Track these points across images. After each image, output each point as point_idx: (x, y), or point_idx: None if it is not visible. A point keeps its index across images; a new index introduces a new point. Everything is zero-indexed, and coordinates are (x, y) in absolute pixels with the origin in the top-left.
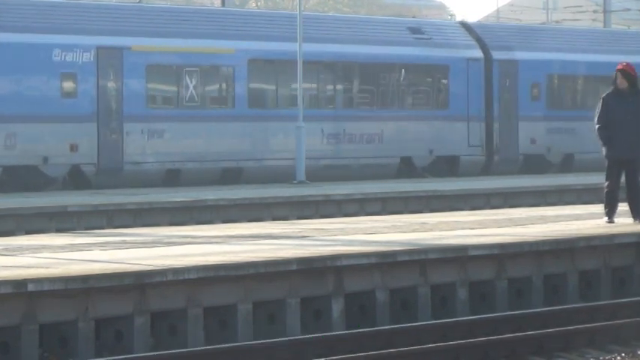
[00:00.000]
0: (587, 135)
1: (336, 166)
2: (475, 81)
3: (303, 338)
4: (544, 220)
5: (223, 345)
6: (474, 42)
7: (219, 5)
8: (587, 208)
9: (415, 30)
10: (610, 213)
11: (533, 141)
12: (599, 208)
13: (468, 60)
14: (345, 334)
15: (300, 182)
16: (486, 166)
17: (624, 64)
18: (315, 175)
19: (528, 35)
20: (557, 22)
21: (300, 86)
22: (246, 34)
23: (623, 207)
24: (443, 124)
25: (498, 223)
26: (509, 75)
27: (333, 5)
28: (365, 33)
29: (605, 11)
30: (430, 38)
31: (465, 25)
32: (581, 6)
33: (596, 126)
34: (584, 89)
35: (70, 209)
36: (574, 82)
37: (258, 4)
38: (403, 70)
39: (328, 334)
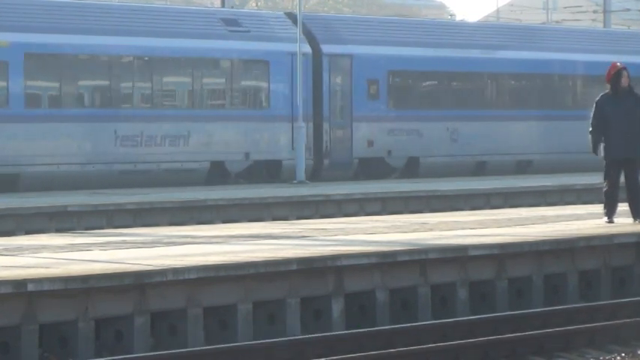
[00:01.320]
0: (435, 137)
1: (132, 172)
2: (301, 78)
3: (303, 338)
4: (544, 220)
5: (223, 345)
6: (301, 35)
7: (220, 5)
8: (587, 208)
9: (230, 22)
10: (609, 213)
11: (370, 143)
12: (599, 208)
13: (292, 55)
14: (345, 334)
15: (300, 182)
16: (315, 170)
17: (620, 63)
18: (109, 183)
19: (366, 27)
20: (557, 22)
21: (301, 86)
22: (23, 26)
23: (623, 207)
24: (262, 125)
25: (498, 223)
26: (342, 71)
27: (333, 5)
28: (166, 25)
29: (605, 11)
30: (248, 31)
31: (291, 17)
32: (581, 6)
33: (589, 128)
34: (434, 87)
35: (70, 209)
36: (421, 79)
37: (258, 4)
38: (214, 66)
39: (328, 334)
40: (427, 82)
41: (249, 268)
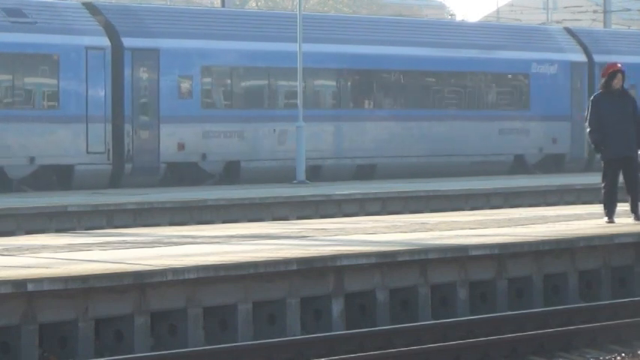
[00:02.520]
0: (259, 139)
1: None
2: (98, 74)
3: (303, 338)
4: (544, 220)
5: (223, 345)
6: (100, 27)
7: (220, 5)
8: (587, 208)
9: (13, 12)
10: (610, 213)
11: (181, 147)
12: (599, 208)
13: (87, 48)
14: (345, 334)
15: (300, 182)
16: (115, 176)
17: (620, 64)
18: None
19: (178, 19)
20: (557, 22)
21: (301, 86)
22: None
23: (623, 207)
24: (50, 126)
25: (498, 223)
26: (148, 67)
27: (333, 5)
28: None
29: (605, 11)
30: (34, 22)
31: (89, 7)
32: (581, 6)
33: (587, 129)
34: (260, 84)
35: (70, 209)
36: (245, 76)
37: (258, 4)
38: None
39: (328, 334)
40: (254, 79)
41: (249, 268)
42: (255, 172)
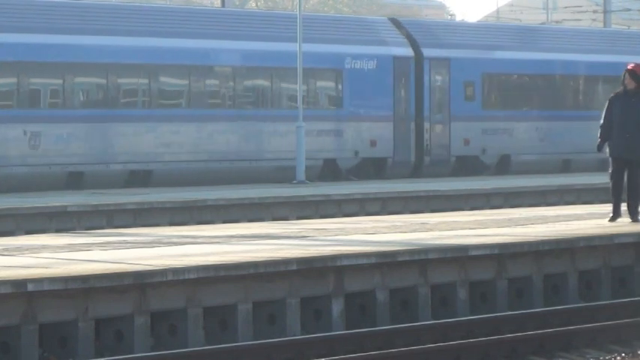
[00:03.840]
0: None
1: None
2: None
3: (303, 338)
4: (544, 220)
5: (223, 345)
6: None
7: (220, 5)
8: (587, 208)
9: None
10: (614, 211)
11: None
12: (599, 208)
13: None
14: (345, 334)
15: (300, 182)
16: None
17: (634, 64)
18: None
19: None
20: (557, 22)
21: (300, 86)
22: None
23: (624, 207)
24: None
25: (498, 223)
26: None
27: (333, 5)
28: None
29: (605, 11)
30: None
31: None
32: (581, 6)
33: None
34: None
35: (70, 209)
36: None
37: (258, 4)
38: None
39: (328, 334)
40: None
41: (249, 268)
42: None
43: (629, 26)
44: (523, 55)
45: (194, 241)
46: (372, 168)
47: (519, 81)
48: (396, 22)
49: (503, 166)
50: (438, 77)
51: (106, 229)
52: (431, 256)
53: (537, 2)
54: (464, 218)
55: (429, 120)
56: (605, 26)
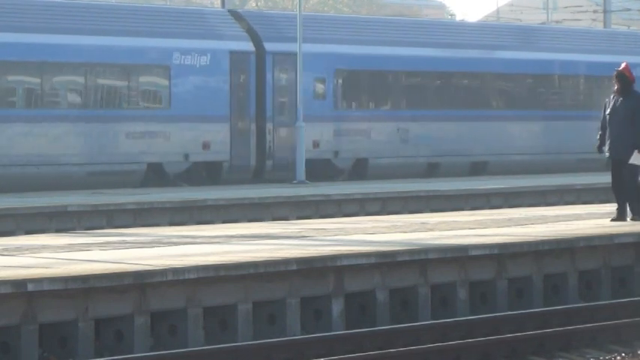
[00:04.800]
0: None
1: None
2: None
3: (303, 338)
4: (544, 220)
5: (223, 345)
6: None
7: (220, 5)
8: (587, 208)
9: None
10: (618, 209)
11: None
12: (599, 208)
13: None
14: (345, 334)
15: (300, 182)
16: None
17: (623, 66)
18: None
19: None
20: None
21: (300, 85)
22: None
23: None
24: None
25: (498, 223)
26: None
27: (333, 5)
28: None
29: (605, 11)
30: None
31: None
32: (581, 6)
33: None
34: None
35: (70, 209)
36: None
37: (258, 4)
38: None
39: (328, 334)
40: None
41: (249, 268)
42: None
43: (629, 26)
44: (383, 50)
45: (194, 241)
46: (206, 172)
47: (379, 78)
48: (235, 15)
49: (360, 170)
50: (284, 74)
51: (106, 229)
52: (431, 256)
53: (537, 2)
54: (464, 218)
55: (273, 121)
56: (605, 26)
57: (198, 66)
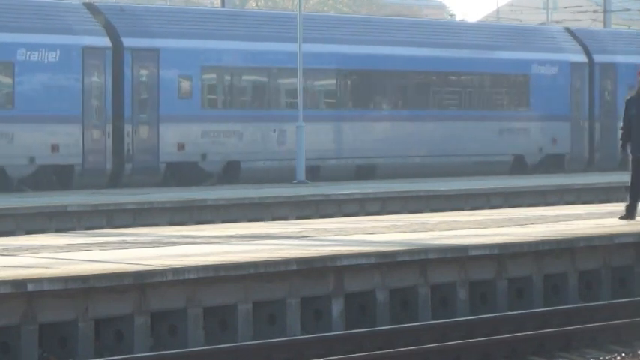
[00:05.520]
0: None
1: None
2: None
3: (303, 338)
4: (544, 220)
5: (223, 345)
6: None
7: (220, 5)
8: (587, 208)
9: None
10: (628, 210)
11: None
12: (599, 208)
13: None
14: (345, 334)
15: (300, 182)
16: None
17: None
18: None
19: None
20: (557, 22)
21: (300, 86)
22: None
23: (623, 207)
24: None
25: (498, 223)
26: None
27: (333, 5)
28: None
29: (605, 11)
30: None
31: None
32: (581, 6)
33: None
34: None
35: (70, 209)
36: None
37: (258, 4)
38: None
39: (328, 334)
40: None
41: (249, 268)
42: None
43: (629, 26)
44: (256, 46)
45: (194, 241)
46: (56, 177)
47: (251, 75)
48: (91, 8)
49: (231, 174)
50: (144, 71)
51: (106, 229)
52: (431, 256)
53: (537, 2)
54: (464, 218)
55: (132, 121)
56: (605, 26)
57: (46, 62)
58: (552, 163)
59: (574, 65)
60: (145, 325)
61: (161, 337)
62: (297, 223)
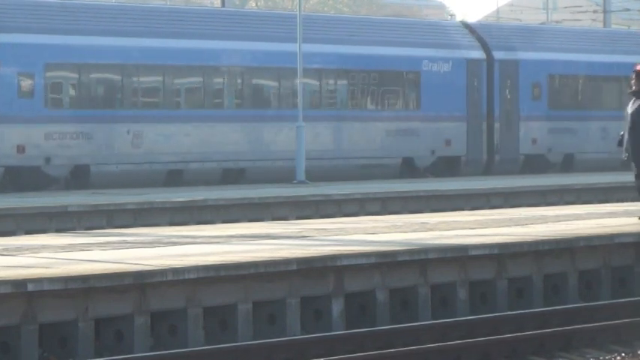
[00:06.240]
0: None
1: None
2: None
3: (303, 338)
4: (544, 220)
5: (223, 345)
6: None
7: (220, 5)
8: (587, 208)
9: None
10: None
11: None
12: (599, 208)
13: None
14: (345, 334)
15: (300, 182)
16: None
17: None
18: None
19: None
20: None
21: (301, 86)
22: None
23: (622, 207)
24: None
25: (498, 223)
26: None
27: (333, 5)
28: None
29: (605, 11)
30: None
31: None
32: (581, 6)
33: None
34: None
35: (70, 209)
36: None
37: (258, 4)
38: None
39: (328, 334)
40: None
41: (249, 268)
42: None
43: (629, 26)
44: (105, 42)
45: (194, 241)
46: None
47: (101, 73)
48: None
49: (80, 178)
50: None
51: (106, 229)
52: (431, 256)
53: (537, 2)
54: (464, 218)
55: None
56: (605, 26)
57: None
58: (447, 166)
59: (471, 62)
60: (145, 325)
61: (161, 337)
62: (297, 223)
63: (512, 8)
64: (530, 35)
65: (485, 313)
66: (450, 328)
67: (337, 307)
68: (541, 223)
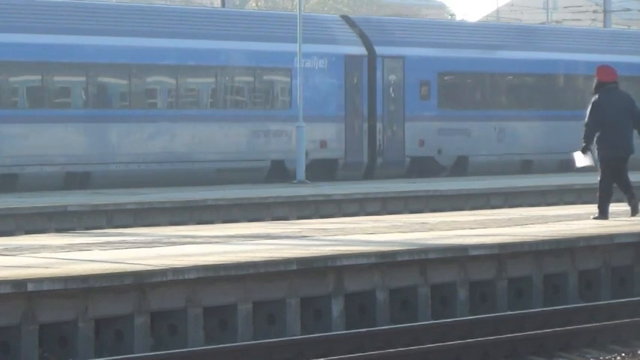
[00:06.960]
0: None
1: None
2: None
3: (303, 338)
4: (544, 220)
5: (223, 345)
6: None
7: (220, 5)
8: (587, 208)
9: None
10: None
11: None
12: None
13: None
14: (345, 334)
15: (300, 182)
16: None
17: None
18: None
19: None
20: (557, 22)
21: (300, 87)
22: None
23: (622, 207)
24: None
25: (498, 223)
26: None
27: (333, 5)
28: None
29: (605, 11)
30: None
31: None
32: (581, 6)
33: None
34: None
35: (70, 209)
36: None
37: (258, 4)
38: None
39: (328, 334)
40: None
41: (249, 268)
42: None
43: (629, 26)
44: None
45: (194, 240)
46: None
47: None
48: None
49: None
50: None
51: (106, 229)
52: (431, 256)
53: (537, 2)
54: (464, 218)
55: None
56: (605, 26)
57: None
58: (322, 169)
59: (349, 58)
60: (145, 325)
61: (161, 337)
62: (298, 223)
63: (513, 8)
64: (418, 30)
65: (485, 313)
66: (450, 328)
67: (337, 307)
68: (541, 223)
